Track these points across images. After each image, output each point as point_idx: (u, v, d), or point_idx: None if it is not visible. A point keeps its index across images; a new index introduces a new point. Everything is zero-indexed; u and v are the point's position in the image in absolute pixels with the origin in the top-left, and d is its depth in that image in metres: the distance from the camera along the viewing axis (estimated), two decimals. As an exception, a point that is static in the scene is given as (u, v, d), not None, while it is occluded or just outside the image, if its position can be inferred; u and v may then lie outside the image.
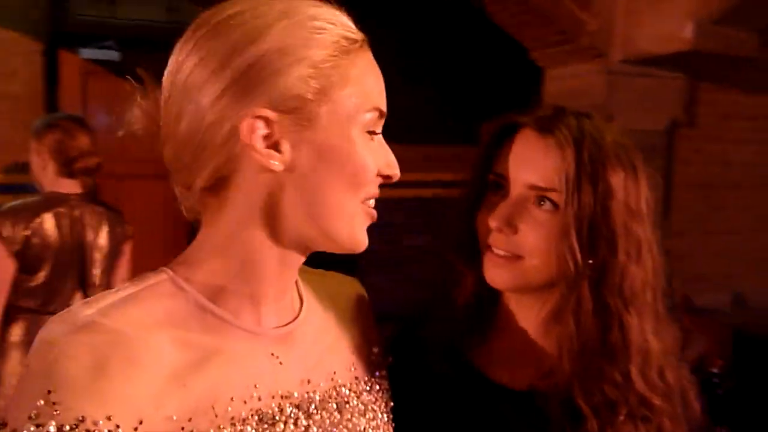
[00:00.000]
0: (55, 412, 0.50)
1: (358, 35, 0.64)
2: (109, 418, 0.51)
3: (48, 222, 2.07)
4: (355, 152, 0.62)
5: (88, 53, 4.52)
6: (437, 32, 5.38)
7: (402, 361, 0.85)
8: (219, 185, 0.62)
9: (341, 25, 0.63)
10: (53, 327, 0.55)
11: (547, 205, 0.80)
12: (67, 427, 0.49)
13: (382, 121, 0.66)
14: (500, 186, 0.84)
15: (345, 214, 0.63)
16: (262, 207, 0.62)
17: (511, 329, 0.89)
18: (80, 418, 0.50)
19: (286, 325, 0.69)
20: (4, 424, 0.51)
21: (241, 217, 0.63)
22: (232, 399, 0.60)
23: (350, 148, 0.62)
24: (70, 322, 0.55)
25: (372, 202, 0.67)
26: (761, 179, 3.89)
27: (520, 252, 0.81)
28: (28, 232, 2.02)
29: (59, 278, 2.11)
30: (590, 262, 0.79)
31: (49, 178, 2.13)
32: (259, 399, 0.62)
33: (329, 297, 0.78)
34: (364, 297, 0.85)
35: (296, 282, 0.73)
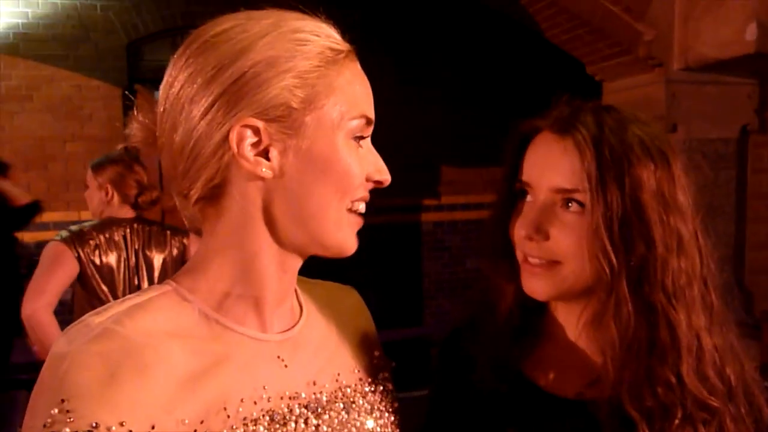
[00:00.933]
0: (69, 420, 0.51)
1: (344, 46, 0.67)
2: (122, 424, 0.52)
3: (112, 241, 2.25)
4: (340, 159, 0.64)
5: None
6: (492, 54, 5.39)
7: (450, 377, 0.86)
8: (215, 195, 0.64)
9: (326, 36, 0.65)
10: (67, 338, 0.58)
11: (574, 206, 0.78)
12: None
13: (371, 128, 0.68)
14: (526, 193, 0.84)
15: (331, 219, 0.65)
16: (257, 214, 0.64)
17: (557, 336, 0.88)
18: (94, 425, 0.51)
19: (289, 329, 0.71)
20: None
21: (238, 225, 0.65)
22: (242, 400, 0.62)
23: (335, 154, 0.64)
24: (83, 332, 0.57)
25: (362, 207, 0.68)
26: None
27: (556, 257, 0.79)
28: (92, 252, 2.19)
29: (122, 295, 2.25)
30: (628, 260, 0.76)
31: (114, 208, 2.32)
32: (269, 400, 0.64)
33: (328, 304, 0.80)
34: (361, 304, 0.88)
35: (295, 292, 0.75)
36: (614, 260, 0.76)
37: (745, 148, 3.35)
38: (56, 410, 0.51)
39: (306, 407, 0.68)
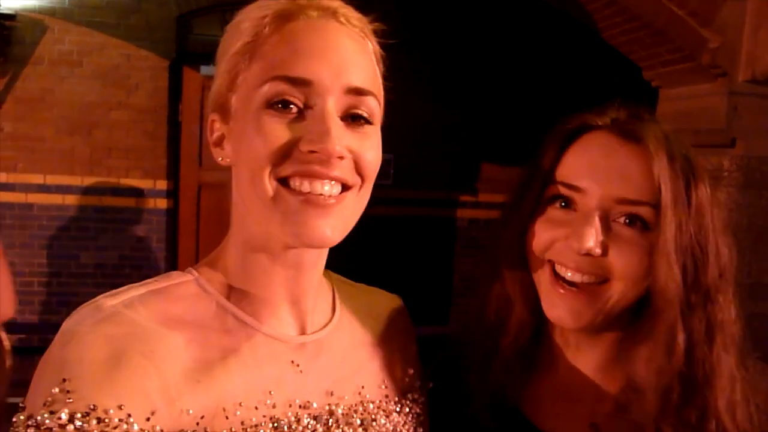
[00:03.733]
0: (68, 400, 0.51)
1: (289, 6, 0.61)
2: (120, 407, 0.52)
3: None
4: (245, 129, 0.59)
5: (207, 70, 4.85)
6: (540, 51, 5.23)
7: (442, 406, 0.79)
8: (230, 184, 0.65)
9: (267, 6, 0.61)
10: (77, 317, 0.57)
11: (637, 223, 0.70)
12: (79, 415, 0.50)
13: (303, 90, 0.58)
14: (564, 198, 0.74)
15: (262, 202, 0.59)
16: (238, 204, 0.64)
17: (564, 369, 0.79)
18: (92, 407, 0.51)
19: (313, 333, 0.67)
20: (24, 407, 0.52)
21: (235, 216, 0.65)
22: (240, 404, 0.59)
23: (245, 127, 0.59)
24: (93, 313, 0.57)
25: (306, 186, 0.58)
26: None
27: (606, 276, 0.71)
28: None
29: None
30: (686, 286, 0.69)
31: None
32: (274, 406, 0.61)
33: (369, 312, 0.75)
34: (405, 316, 0.81)
35: (333, 293, 0.72)
36: (680, 284, 0.68)
37: (808, 169, 3.14)
38: (57, 389, 0.51)
39: (316, 418, 0.63)
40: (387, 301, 0.81)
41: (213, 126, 0.65)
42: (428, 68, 4.92)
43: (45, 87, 4.50)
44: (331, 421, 0.64)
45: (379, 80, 0.65)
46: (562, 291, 0.72)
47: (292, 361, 0.64)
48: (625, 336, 0.74)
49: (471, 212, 5.42)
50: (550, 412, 0.78)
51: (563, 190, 0.74)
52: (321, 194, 0.58)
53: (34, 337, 4.39)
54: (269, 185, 0.58)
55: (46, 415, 0.50)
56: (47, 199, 4.49)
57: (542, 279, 0.75)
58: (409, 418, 0.72)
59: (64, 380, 0.52)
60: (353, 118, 0.60)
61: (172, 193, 4.82)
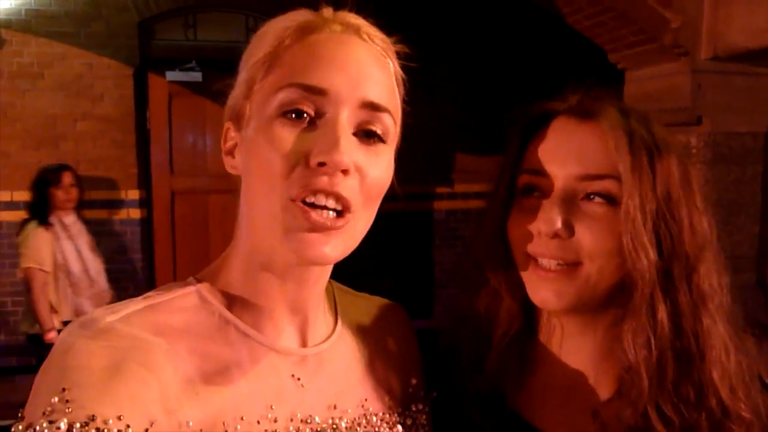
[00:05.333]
0: (67, 410, 0.50)
1: (313, 19, 0.61)
2: (119, 418, 0.51)
3: None
4: (257, 140, 0.58)
5: (172, 75, 4.78)
6: (508, 40, 5.26)
7: (435, 406, 0.78)
8: (238, 189, 0.64)
9: (287, 19, 0.61)
10: (75, 328, 0.56)
11: (602, 198, 0.70)
12: (78, 425, 0.50)
13: (317, 99, 0.57)
14: (534, 187, 0.74)
15: (269, 215, 0.58)
16: (245, 215, 0.63)
17: (557, 363, 0.78)
18: (91, 417, 0.50)
19: (315, 345, 0.66)
20: (23, 417, 0.52)
21: (240, 228, 0.64)
22: (242, 418, 0.58)
23: (257, 135, 0.58)
24: (92, 327, 0.56)
25: (321, 199, 0.56)
26: None
27: (578, 258, 0.70)
28: None
29: None
30: (661, 259, 0.69)
31: None
32: (275, 421, 0.60)
33: (370, 322, 0.75)
34: (407, 324, 0.81)
35: (334, 304, 0.72)
36: (652, 258, 0.68)
37: (773, 142, 3.21)
38: (56, 399, 0.51)
39: None
40: (388, 310, 0.80)
41: (227, 134, 0.64)
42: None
43: (6, 101, 4.39)
44: None
45: (398, 100, 0.64)
46: (542, 273, 0.72)
47: (293, 375, 0.63)
48: (613, 320, 0.74)
49: (448, 204, 5.44)
50: (545, 407, 0.77)
51: (531, 179, 0.74)
52: (324, 207, 0.56)
53: (12, 358, 4.29)
54: (278, 199, 0.57)
55: (45, 425, 0.49)
56: (16, 216, 4.38)
57: (525, 269, 0.75)
58: (414, 429, 0.71)
59: (64, 389, 0.51)
60: (366, 134, 0.59)
61: (145, 203, 4.74)
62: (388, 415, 0.69)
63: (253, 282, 0.63)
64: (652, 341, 0.69)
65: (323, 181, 0.55)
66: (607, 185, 0.69)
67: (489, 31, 5.25)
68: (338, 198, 0.56)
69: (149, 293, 0.62)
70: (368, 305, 0.77)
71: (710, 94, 3.01)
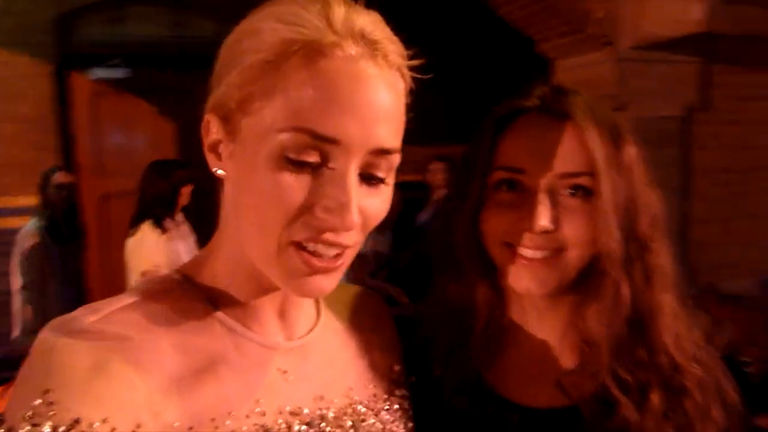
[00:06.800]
0: (51, 413, 0.48)
1: (325, 37, 0.53)
2: (105, 421, 0.49)
3: None
4: (253, 180, 0.54)
5: (97, 73, 4.56)
6: (433, 29, 5.34)
7: (414, 396, 0.80)
8: (221, 177, 0.61)
9: (296, 24, 0.53)
10: (56, 328, 0.54)
11: (580, 192, 0.75)
12: (63, 428, 0.48)
13: (326, 147, 0.53)
14: (511, 183, 0.78)
15: (265, 252, 0.56)
16: (232, 211, 0.60)
17: (526, 340, 0.83)
18: (76, 420, 0.48)
19: (299, 338, 0.66)
20: (3, 421, 0.50)
21: (227, 229, 0.62)
22: (230, 413, 0.57)
23: (253, 172, 0.54)
24: (73, 326, 0.54)
25: (322, 248, 0.55)
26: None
27: (561, 248, 0.75)
28: None
29: None
30: (628, 242, 0.75)
31: None
32: (263, 414, 0.60)
33: (350, 311, 0.75)
34: (386, 311, 0.82)
35: None
36: (619, 241, 0.74)
37: (691, 126, 3.44)
38: (39, 401, 0.49)
39: (308, 424, 0.62)
40: (365, 298, 0.81)
41: (209, 127, 0.59)
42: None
43: None
44: (322, 425, 0.63)
45: (404, 122, 0.60)
46: (525, 262, 0.76)
47: (279, 368, 0.63)
48: (577, 297, 0.79)
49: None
50: (515, 380, 0.82)
51: (507, 175, 0.77)
52: (324, 255, 0.56)
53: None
54: (274, 241, 0.55)
55: (27, 428, 0.47)
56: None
57: (504, 259, 0.78)
58: (398, 415, 0.72)
59: (47, 391, 0.49)
60: (372, 176, 0.57)
61: (73, 207, 4.51)
62: (373, 403, 0.70)
63: (240, 283, 0.62)
64: (614, 318, 0.76)
65: (327, 235, 0.54)
66: (584, 181, 0.74)
67: (415, 23, 5.29)
68: (340, 246, 0.56)
69: (130, 289, 0.61)
70: (346, 294, 0.77)
71: (633, 82, 3.18)
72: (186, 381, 0.56)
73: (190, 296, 0.61)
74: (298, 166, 0.53)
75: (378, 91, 0.54)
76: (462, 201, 0.80)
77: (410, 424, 0.73)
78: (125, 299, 0.59)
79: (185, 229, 3.20)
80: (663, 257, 0.78)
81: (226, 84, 0.57)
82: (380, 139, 0.55)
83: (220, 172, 0.60)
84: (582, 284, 0.78)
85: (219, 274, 0.63)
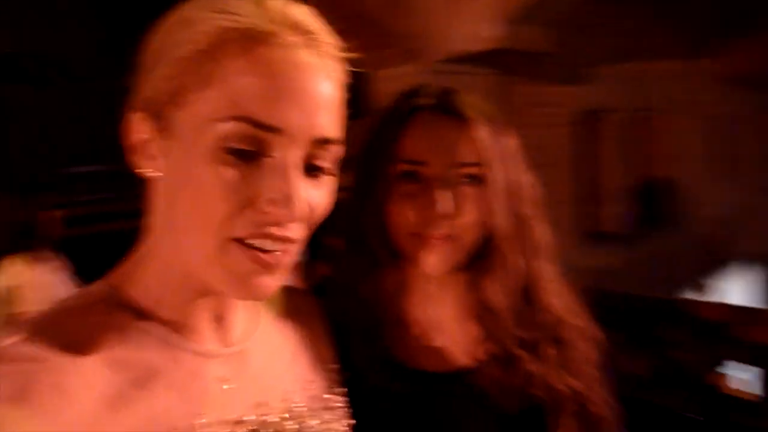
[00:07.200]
0: None
1: (263, 26, 0.52)
2: None
3: None
4: (191, 173, 0.52)
5: None
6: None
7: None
8: (151, 177, 0.57)
9: (232, 16, 0.52)
10: None
11: (472, 180, 0.85)
12: None
13: (267, 136, 0.51)
14: (413, 174, 0.85)
15: (205, 252, 0.53)
16: (165, 213, 0.56)
17: (429, 315, 0.92)
18: None
19: (237, 344, 0.64)
20: None
21: (157, 239, 0.58)
22: (174, 428, 0.55)
23: (192, 166, 0.52)
24: None
25: (264, 243, 0.53)
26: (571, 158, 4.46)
27: (461, 230, 0.85)
28: None
29: None
30: (514, 222, 0.87)
31: None
32: (209, 426, 0.57)
33: (287, 312, 0.74)
34: (320, 313, 0.81)
35: None
36: (508, 221, 0.86)
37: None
38: None
39: None
40: (300, 298, 0.79)
41: (133, 126, 0.55)
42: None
43: None
44: (270, 431, 0.62)
45: (345, 116, 0.58)
46: (431, 245, 0.85)
47: (219, 377, 0.60)
48: (472, 272, 0.89)
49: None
50: (426, 354, 0.90)
51: (410, 167, 0.86)
52: (270, 251, 0.53)
53: None
54: (214, 238, 0.52)
55: None
56: None
57: (412, 246, 0.86)
58: (338, 413, 0.71)
59: None
60: (315, 167, 0.55)
61: None
62: (312, 403, 0.68)
63: (172, 288, 0.58)
64: (509, 287, 0.88)
65: (272, 229, 0.53)
66: (475, 170, 0.85)
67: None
68: (287, 240, 0.54)
69: (54, 303, 0.56)
70: (283, 295, 0.75)
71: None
72: (121, 399, 0.52)
73: (118, 309, 0.57)
74: (239, 157, 0.51)
75: (318, 80, 0.54)
76: (369, 195, 0.87)
77: (351, 420, 0.73)
78: (48, 315, 0.54)
79: (57, 263, 2.72)
80: (543, 232, 0.92)
81: (155, 78, 0.53)
82: (322, 128, 0.53)
83: (150, 172, 0.55)
84: (476, 261, 0.89)
85: (149, 282, 0.58)
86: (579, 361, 0.88)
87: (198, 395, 0.58)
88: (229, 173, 0.51)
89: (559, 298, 0.91)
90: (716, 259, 5.36)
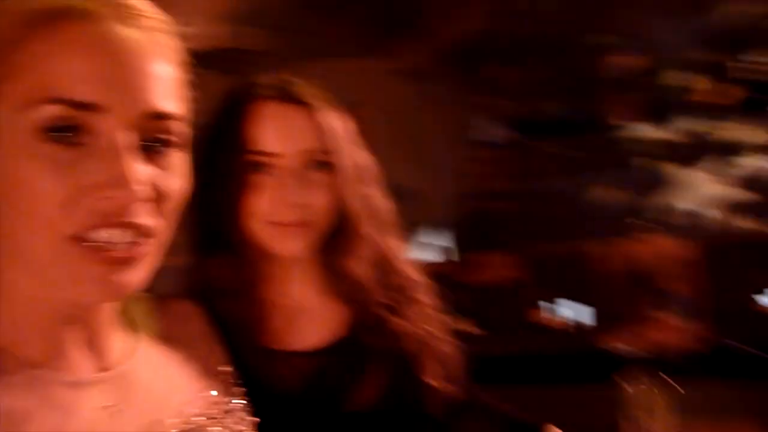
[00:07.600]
0: None
1: (75, 3, 0.48)
2: None
3: None
4: (18, 176, 0.47)
5: None
6: None
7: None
8: None
9: None
10: None
11: (324, 166, 0.88)
12: None
13: (88, 117, 0.47)
14: (262, 165, 0.85)
15: (44, 258, 0.49)
16: None
17: (294, 297, 0.94)
18: None
19: (117, 366, 0.58)
20: None
21: None
22: None
23: (14, 168, 0.47)
24: None
25: (117, 236, 0.48)
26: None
27: (313, 216, 0.87)
28: None
29: None
30: (362, 202, 0.93)
31: None
32: None
33: (168, 323, 0.68)
34: (203, 318, 0.76)
35: (130, 313, 0.63)
36: (361, 203, 0.91)
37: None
38: None
39: None
40: (183, 308, 0.73)
41: None
42: None
43: None
44: None
45: (184, 94, 0.54)
46: (283, 229, 0.86)
47: (101, 405, 0.53)
48: (330, 249, 0.93)
49: None
50: (299, 336, 0.92)
51: (260, 159, 0.85)
52: (120, 243, 0.48)
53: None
54: (57, 242, 0.47)
55: None
56: None
57: (270, 235, 0.86)
58: (239, 414, 0.68)
59: None
60: (152, 143, 0.50)
61: None
62: (211, 411, 0.66)
63: (30, 323, 0.51)
64: (366, 260, 0.95)
65: (110, 217, 0.48)
66: (323, 156, 0.88)
67: None
68: (137, 228, 0.49)
69: None
70: (161, 307, 0.68)
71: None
72: None
73: None
74: (59, 143, 0.47)
75: (140, 54, 0.50)
76: (220, 188, 0.84)
77: (254, 419, 0.71)
78: None
79: None
80: (388, 209, 1.00)
81: None
82: (150, 102, 0.50)
83: None
84: (332, 240, 0.93)
85: (6, 321, 0.50)
86: (430, 315, 1.01)
87: (80, 429, 0.52)
88: (53, 162, 0.47)
89: (406, 263, 1.03)
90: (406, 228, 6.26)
